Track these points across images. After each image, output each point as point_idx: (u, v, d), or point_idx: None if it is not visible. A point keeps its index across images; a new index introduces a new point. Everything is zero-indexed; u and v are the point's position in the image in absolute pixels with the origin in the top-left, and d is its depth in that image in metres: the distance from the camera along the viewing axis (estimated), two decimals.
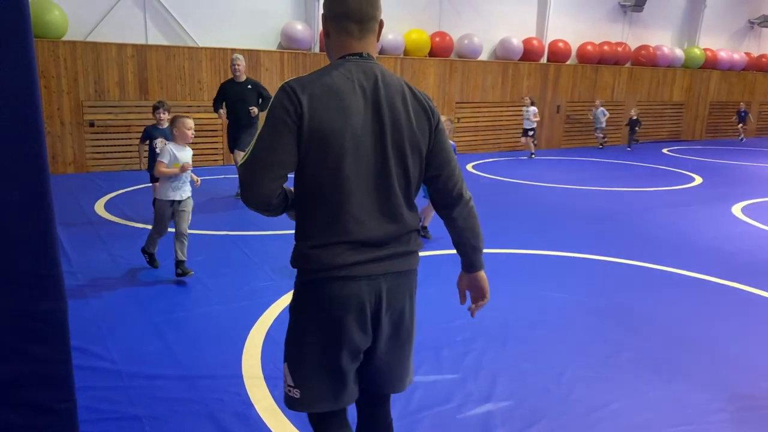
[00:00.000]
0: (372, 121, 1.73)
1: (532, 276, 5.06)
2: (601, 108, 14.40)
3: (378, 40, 1.87)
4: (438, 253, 5.43)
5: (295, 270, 1.83)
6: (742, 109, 17.00)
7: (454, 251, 2.00)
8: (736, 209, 8.00)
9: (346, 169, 1.70)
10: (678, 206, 8.09)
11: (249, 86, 7.46)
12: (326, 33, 1.84)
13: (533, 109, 12.39)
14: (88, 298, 4.31)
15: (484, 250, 2.00)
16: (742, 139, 17.28)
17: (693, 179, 10.49)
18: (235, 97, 7.40)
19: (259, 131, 1.71)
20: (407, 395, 3.02)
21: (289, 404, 1.87)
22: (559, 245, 5.98)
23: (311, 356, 1.79)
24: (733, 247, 6.12)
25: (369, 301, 1.76)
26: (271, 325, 3.91)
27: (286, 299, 4.23)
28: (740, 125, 17.05)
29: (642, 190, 9.35)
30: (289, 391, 1.84)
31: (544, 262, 5.48)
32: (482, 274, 2.01)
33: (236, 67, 7.37)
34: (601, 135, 14.60)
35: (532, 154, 12.79)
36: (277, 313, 4.09)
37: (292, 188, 1.82)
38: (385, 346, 1.86)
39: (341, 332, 1.76)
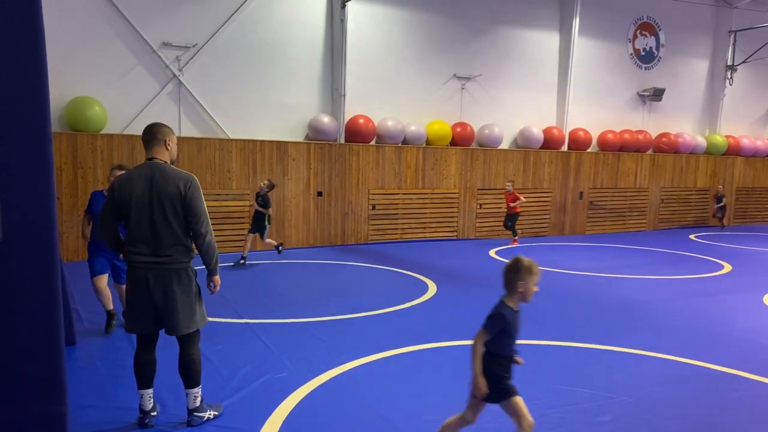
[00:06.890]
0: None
1: (553, 370, 4.92)
2: None
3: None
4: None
5: None
6: None
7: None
8: None
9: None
10: (706, 295, 7.89)
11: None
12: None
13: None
14: (99, 383, 4.32)
15: None
16: None
17: (722, 266, 10.26)
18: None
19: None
20: None
21: None
22: (583, 336, 5.83)
23: None
24: (765, 339, 5.90)
25: None
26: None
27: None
28: None
29: (669, 277, 9.17)
30: None
31: (568, 354, 5.34)
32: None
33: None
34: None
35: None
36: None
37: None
38: None
39: None
